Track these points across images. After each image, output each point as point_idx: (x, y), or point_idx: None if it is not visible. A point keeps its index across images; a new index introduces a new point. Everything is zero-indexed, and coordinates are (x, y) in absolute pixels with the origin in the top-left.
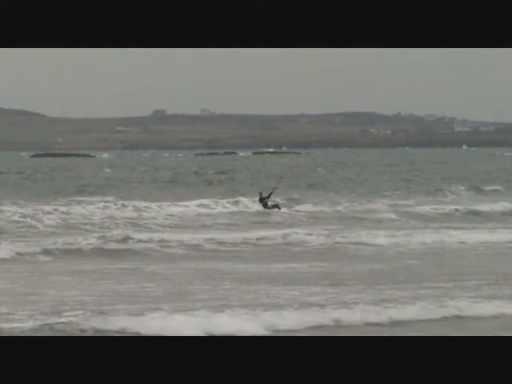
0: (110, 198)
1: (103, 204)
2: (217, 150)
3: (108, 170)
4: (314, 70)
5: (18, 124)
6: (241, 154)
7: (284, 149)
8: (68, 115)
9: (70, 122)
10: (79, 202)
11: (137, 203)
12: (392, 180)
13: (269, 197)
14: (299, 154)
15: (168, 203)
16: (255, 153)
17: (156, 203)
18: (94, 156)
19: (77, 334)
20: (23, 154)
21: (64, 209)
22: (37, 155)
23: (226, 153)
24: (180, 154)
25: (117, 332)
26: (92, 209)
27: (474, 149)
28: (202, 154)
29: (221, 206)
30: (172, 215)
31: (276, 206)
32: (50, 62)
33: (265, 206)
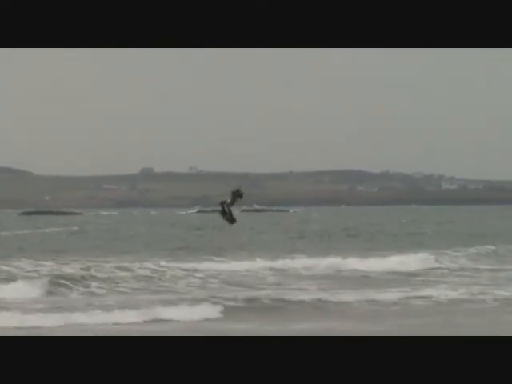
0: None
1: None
2: (206, 208)
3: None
4: (301, 129)
5: (3, 182)
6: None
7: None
8: (55, 173)
9: (58, 179)
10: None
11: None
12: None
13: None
14: (287, 211)
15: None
16: (243, 210)
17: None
18: (81, 213)
19: None
20: (9, 211)
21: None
22: (25, 213)
23: (213, 210)
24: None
25: None
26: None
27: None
28: (189, 212)
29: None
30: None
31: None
32: (37, 121)
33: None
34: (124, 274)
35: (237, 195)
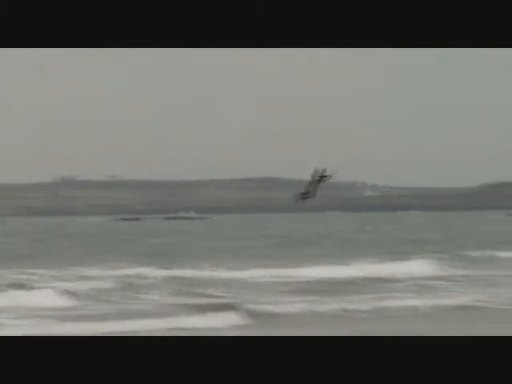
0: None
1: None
2: (125, 216)
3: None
4: (222, 136)
5: None
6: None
7: (192, 213)
8: None
9: None
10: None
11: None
12: None
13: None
14: (209, 218)
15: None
16: (166, 218)
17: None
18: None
19: None
20: None
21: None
22: None
23: (134, 218)
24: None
25: None
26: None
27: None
28: (116, 220)
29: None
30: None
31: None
32: None
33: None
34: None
35: (319, 179)
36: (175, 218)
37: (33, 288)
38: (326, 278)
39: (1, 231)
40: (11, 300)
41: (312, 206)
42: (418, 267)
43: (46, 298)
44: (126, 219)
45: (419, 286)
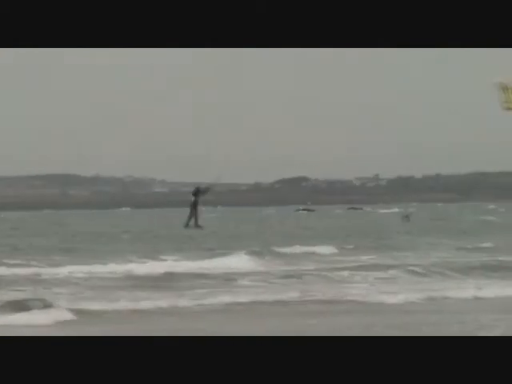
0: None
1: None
2: None
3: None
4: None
5: None
6: None
7: None
8: None
9: None
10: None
11: None
12: None
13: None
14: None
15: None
16: None
17: None
18: None
19: None
20: None
21: None
22: None
23: None
24: None
25: None
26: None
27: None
28: None
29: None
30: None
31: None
32: None
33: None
34: None
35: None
36: None
37: None
38: (142, 275)
39: None
40: None
41: (102, 201)
42: (235, 263)
43: None
44: None
45: (234, 280)
